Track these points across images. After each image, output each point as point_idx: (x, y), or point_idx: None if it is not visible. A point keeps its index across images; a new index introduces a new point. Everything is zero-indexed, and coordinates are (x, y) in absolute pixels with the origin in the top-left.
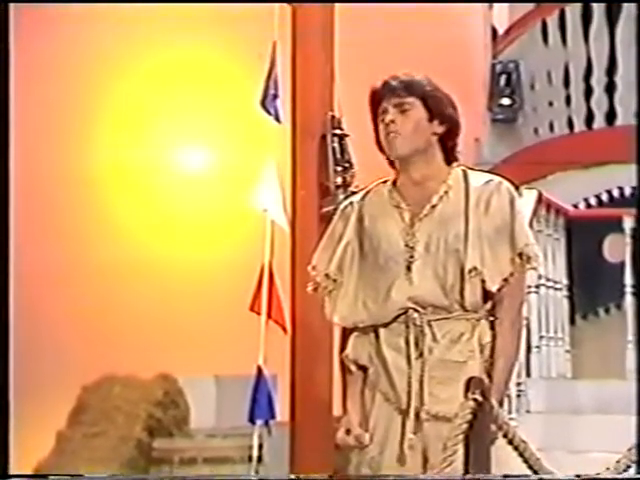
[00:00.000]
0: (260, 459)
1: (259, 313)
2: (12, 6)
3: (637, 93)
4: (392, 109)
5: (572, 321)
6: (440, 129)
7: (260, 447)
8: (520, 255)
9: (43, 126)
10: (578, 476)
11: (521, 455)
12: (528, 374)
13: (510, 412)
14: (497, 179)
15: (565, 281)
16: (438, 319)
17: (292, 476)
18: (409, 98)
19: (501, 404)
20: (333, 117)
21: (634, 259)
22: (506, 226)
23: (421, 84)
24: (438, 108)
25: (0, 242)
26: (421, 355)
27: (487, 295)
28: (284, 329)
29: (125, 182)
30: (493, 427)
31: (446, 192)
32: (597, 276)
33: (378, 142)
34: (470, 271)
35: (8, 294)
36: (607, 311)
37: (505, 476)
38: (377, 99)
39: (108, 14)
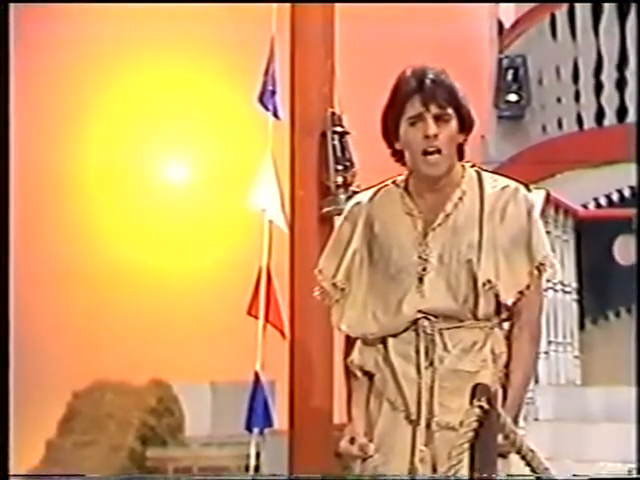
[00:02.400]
0: (257, 468)
1: (257, 317)
2: (12, 6)
3: (637, 91)
4: (432, 120)
5: (581, 326)
6: (462, 138)
7: (257, 456)
8: (538, 267)
9: (39, 128)
10: (575, 476)
11: (529, 464)
12: (536, 381)
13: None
14: (513, 185)
15: (574, 284)
16: (449, 328)
17: (283, 477)
18: (449, 109)
19: (516, 420)
20: (333, 114)
21: None
22: (523, 236)
23: (455, 90)
24: (468, 119)
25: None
26: (431, 364)
27: (502, 304)
28: (282, 334)
29: (118, 185)
30: (500, 436)
31: (460, 198)
32: (607, 279)
33: (386, 133)
34: (484, 284)
35: (8, 303)
36: (618, 315)
37: (509, 476)
38: (406, 94)
39: (106, 15)
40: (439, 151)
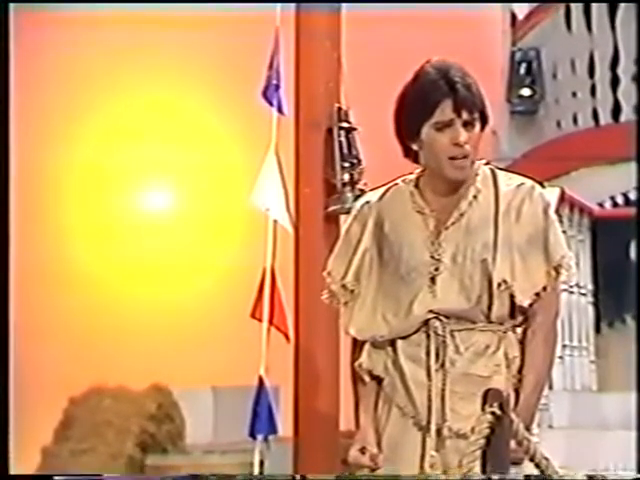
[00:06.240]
0: (261, 476)
1: (261, 320)
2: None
3: (637, 89)
4: (462, 127)
5: (597, 329)
6: (481, 136)
7: (261, 464)
8: (556, 268)
9: (36, 130)
10: (589, 476)
11: (542, 473)
12: (550, 386)
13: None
14: (529, 183)
15: (590, 286)
16: (462, 330)
17: (297, 476)
18: (476, 113)
19: (529, 427)
20: (340, 109)
21: None
22: (539, 236)
23: (481, 93)
24: (487, 119)
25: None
26: (442, 367)
27: (516, 306)
28: (287, 337)
29: (118, 186)
30: (513, 443)
31: (475, 197)
32: (624, 280)
33: (401, 132)
34: (499, 285)
35: (8, 306)
36: (635, 318)
37: (527, 476)
38: (435, 99)
39: (105, 20)
40: (466, 156)
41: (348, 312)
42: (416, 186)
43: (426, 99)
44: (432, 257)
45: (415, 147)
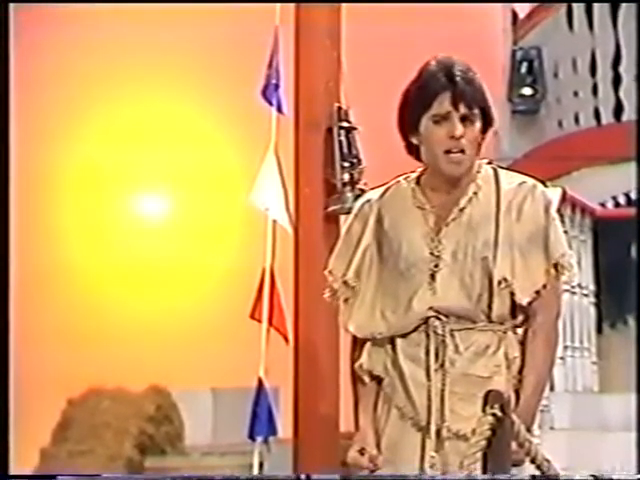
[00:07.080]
0: (261, 476)
1: (260, 321)
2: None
3: (637, 89)
4: (458, 121)
5: (599, 330)
6: (483, 137)
7: (261, 466)
8: (555, 266)
9: (37, 130)
10: (594, 476)
11: (544, 475)
12: (552, 388)
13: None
14: (531, 182)
15: (592, 286)
16: (461, 329)
17: (302, 476)
18: (476, 109)
19: (529, 428)
20: (340, 108)
21: None
22: (540, 234)
23: (483, 90)
24: (491, 119)
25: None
26: (442, 367)
27: (517, 306)
28: (286, 338)
29: (115, 186)
30: (514, 445)
31: (475, 193)
32: (626, 281)
33: (402, 125)
34: (499, 282)
35: (8, 307)
36: (637, 319)
37: (533, 477)
38: (434, 91)
39: (105, 19)
40: (462, 151)
41: (347, 309)
42: (417, 183)
43: (425, 91)
44: (432, 254)
45: (415, 141)
